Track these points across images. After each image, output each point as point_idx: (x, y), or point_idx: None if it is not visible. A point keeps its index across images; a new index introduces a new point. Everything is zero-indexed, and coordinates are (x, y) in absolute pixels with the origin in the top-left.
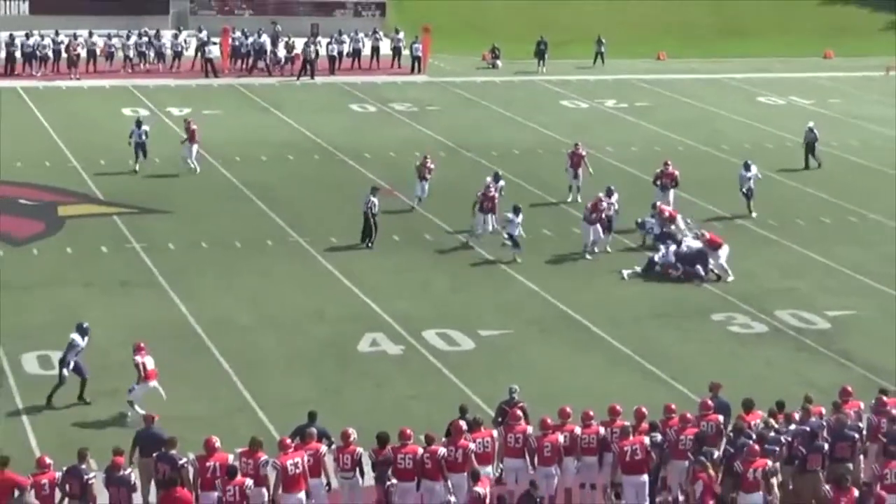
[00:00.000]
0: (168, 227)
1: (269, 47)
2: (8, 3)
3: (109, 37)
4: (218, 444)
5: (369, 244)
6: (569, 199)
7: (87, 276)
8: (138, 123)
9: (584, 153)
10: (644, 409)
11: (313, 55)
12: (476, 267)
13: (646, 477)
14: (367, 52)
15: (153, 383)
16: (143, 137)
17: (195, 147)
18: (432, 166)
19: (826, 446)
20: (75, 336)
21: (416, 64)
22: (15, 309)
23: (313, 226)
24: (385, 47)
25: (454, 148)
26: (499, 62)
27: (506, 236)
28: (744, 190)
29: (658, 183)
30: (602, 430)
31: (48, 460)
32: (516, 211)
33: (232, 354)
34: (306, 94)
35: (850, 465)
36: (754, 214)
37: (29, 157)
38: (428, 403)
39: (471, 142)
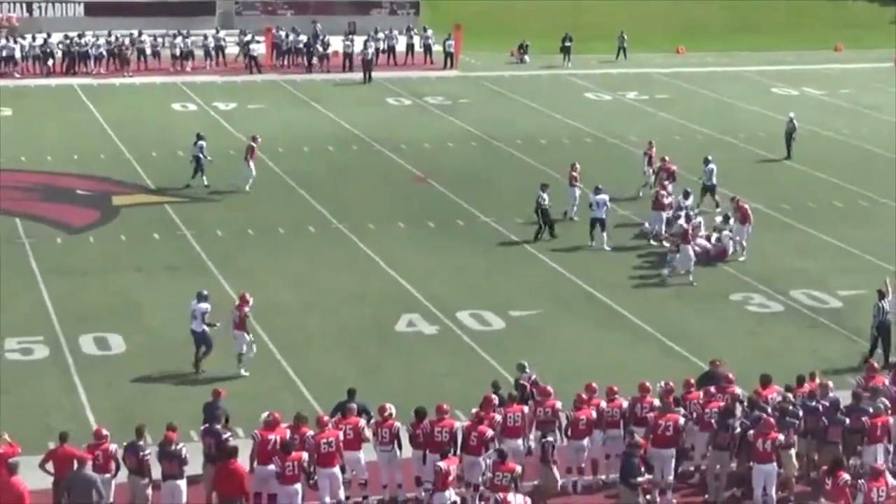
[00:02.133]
0: (216, 215)
1: (311, 45)
2: (64, 5)
3: (154, 38)
4: (281, 419)
5: (547, 235)
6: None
7: (141, 261)
8: (198, 137)
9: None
10: (672, 384)
11: (371, 55)
12: (506, 251)
13: (673, 451)
14: (401, 48)
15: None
16: (201, 153)
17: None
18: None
19: (847, 420)
20: (194, 303)
21: (449, 60)
22: (73, 293)
23: (353, 213)
24: (418, 44)
25: (485, 139)
26: (526, 58)
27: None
28: (707, 184)
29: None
30: (624, 403)
31: (104, 431)
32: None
33: (277, 335)
34: (345, 89)
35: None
36: (719, 209)
37: (85, 150)
38: (461, 380)
39: (500, 133)
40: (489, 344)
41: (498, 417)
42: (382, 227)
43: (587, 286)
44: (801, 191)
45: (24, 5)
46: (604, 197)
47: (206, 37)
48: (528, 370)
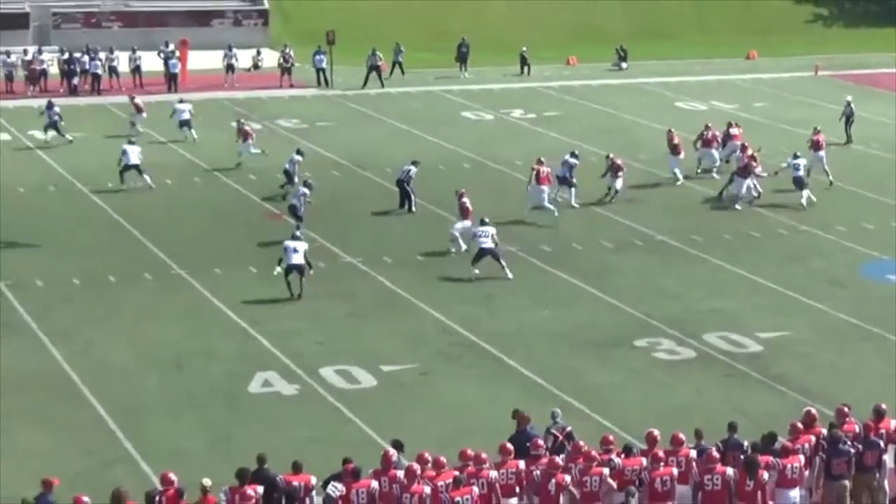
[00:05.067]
0: (36, 263)
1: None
2: None
3: None
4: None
5: (410, 209)
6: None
7: None
8: (297, 152)
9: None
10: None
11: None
12: (375, 296)
13: None
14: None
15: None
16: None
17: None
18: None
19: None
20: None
21: (322, 76)
22: None
23: (196, 256)
24: (272, 60)
25: (348, 166)
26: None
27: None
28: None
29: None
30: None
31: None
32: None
33: (110, 400)
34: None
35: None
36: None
37: None
38: (326, 446)
39: (366, 159)
40: (358, 404)
41: (494, 474)
42: (230, 271)
43: (470, 334)
44: (715, 220)
45: None
46: (489, 228)
47: (26, 53)
48: (560, 419)
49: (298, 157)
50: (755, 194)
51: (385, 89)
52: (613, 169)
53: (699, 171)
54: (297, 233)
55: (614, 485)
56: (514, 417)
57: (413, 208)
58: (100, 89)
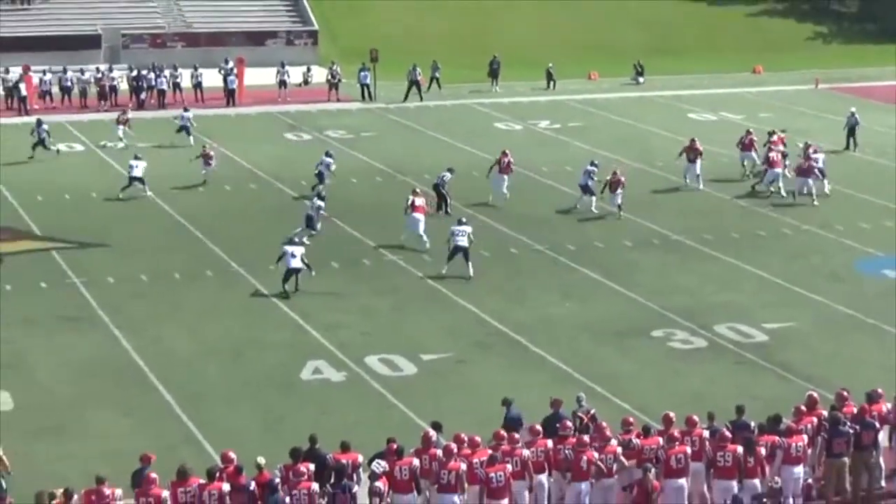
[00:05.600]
0: (107, 262)
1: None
2: None
3: (44, 73)
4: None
5: (446, 211)
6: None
7: (28, 312)
8: (327, 154)
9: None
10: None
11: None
12: (415, 291)
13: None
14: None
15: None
16: (328, 169)
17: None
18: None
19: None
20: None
21: (366, 91)
22: None
23: (252, 255)
24: (320, 76)
25: (390, 173)
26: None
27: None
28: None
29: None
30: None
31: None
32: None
33: (175, 386)
34: (239, 125)
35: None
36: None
37: None
38: (372, 429)
39: (406, 166)
40: (400, 389)
41: (526, 452)
42: (283, 268)
43: (501, 326)
44: (724, 220)
45: None
46: (466, 227)
47: (98, 71)
48: (585, 403)
49: (329, 160)
50: (807, 192)
51: (423, 102)
52: (612, 184)
53: (749, 173)
54: (295, 238)
55: (626, 463)
56: (551, 405)
57: (449, 210)
58: (165, 103)
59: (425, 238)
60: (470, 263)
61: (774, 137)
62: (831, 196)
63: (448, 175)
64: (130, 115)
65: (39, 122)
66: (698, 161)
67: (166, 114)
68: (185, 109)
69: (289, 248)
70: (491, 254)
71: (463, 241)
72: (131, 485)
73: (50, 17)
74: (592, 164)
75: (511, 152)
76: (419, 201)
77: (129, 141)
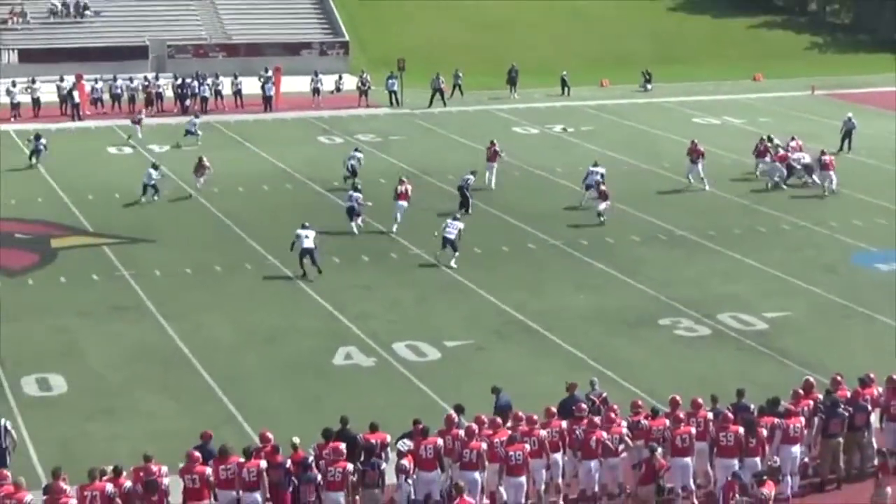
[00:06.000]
0: (154, 256)
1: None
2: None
3: (95, 81)
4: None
5: (467, 211)
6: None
7: (80, 303)
8: (356, 150)
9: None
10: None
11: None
12: (439, 282)
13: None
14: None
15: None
16: (359, 163)
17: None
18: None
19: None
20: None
21: (394, 97)
22: (14, 335)
23: (288, 250)
24: (351, 84)
25: (416, 174)
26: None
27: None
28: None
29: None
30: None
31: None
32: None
33: (216, 370)
34: (277, 129)
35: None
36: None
37: (23, 194)
38: (399, 411)
39: (431, 167)
40: (425, 374)
41: (544, 433)
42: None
43: (519, 315)
44: (726, 217)
45: None
46: (458, 223)
47: (145, 79)
48: (597, 387)
49: (359, 154)
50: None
51: (447, 108)
52: (601, 195)
53: (775, 179)
54: (307, 223)
55: (631, 443)
56: (567, 389)
57: (470, 210)
58: (207, 109)
59: (398, 220)
60: (456, 254)
61: (794, 144)
62: (826, 193)
63: (471, 178)
64: (144, 118)
65: (38, 136)
66: (700, 162)
67: (208, 119)
68: (196, 116)
69: (301, 232)
70: (510, 249)
71: (451, 234)
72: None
73: (101, 29)
74: (595, 164)
75: (498, 143)
76: (402, 188)
77: (137, 141)
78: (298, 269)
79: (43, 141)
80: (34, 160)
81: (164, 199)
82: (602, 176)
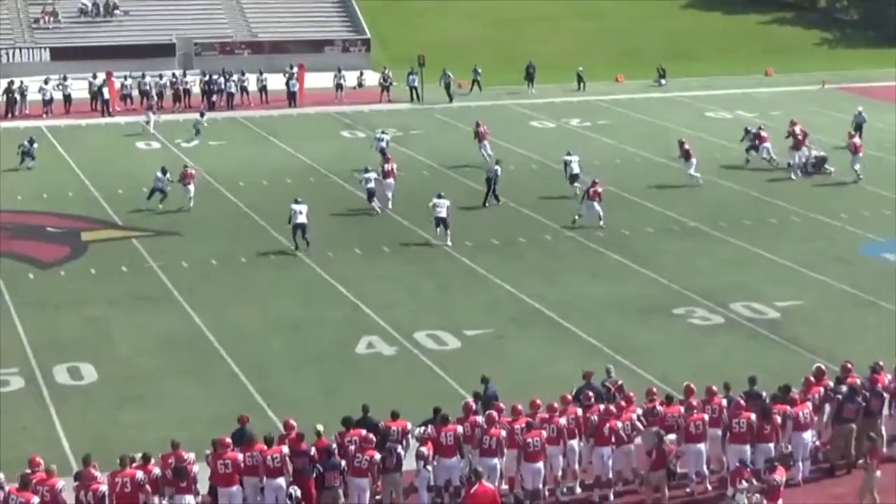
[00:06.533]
0: (181, 248)
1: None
2: (31, 51)
3: (125, 78)
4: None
5: (485, 204)
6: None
7: (110, 293)
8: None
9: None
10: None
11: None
12: (459, 273)
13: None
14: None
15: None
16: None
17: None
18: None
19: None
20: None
21: (415, 93)
22: (46, 325)
23: (312, 241)
24: (373, 80)
25: (436, 167)
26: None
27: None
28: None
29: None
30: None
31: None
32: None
33: (241, 358)
34: (300, 124)
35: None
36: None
37: (54, 189)
38: (420, 398)
39: (451, 161)
40: (446, 363)
41: (563, 420)
42: (339, 253)
43: (536, 304)
44: (737, 209)
45: None
46: (444, 201)
47: (173, 76)
48: (613, 374)
49: (386, 136)
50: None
51: (466, 103)
52: (589, 195)
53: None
54: (299, 198)
55: (641, 427)
56: (583, 377)
57: (487, 204)
58: (233, 105)
59: (389, 196)
60: (449, 232)
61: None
62: (839, 186)
63: (498, 168)
64: (155, 112)
65: (32, 141)
66: (692, 159)
67: (234, 114)
68: (201, 114)
69: (295, 207)
70: (527, 240)
71: (442, 213)
72: (233, 443)
73: (130, 28)
74: (568, 154)
75: (483, 122)
76: (388, 167)
77: (146, 130)
78: (292, 242)
79: (36, 145)
80: (26, 162)
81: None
82: (577, 164)
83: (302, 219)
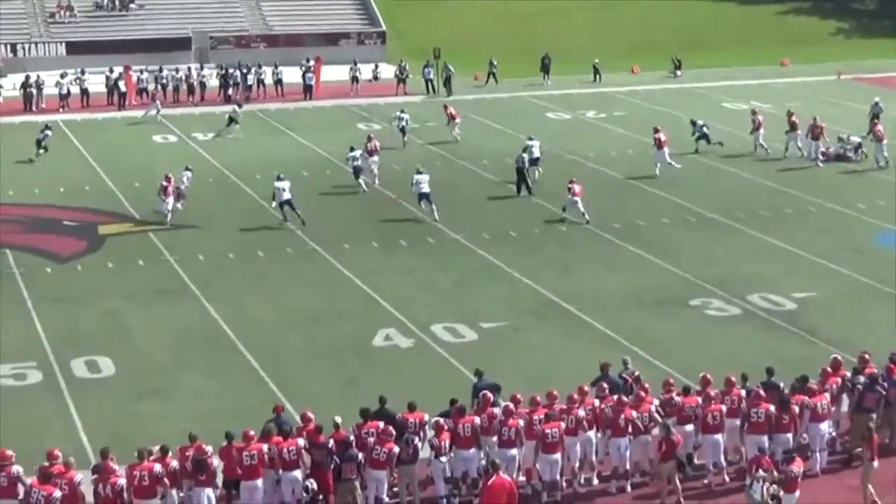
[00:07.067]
0: (197, 241)
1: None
2: (47, 45)
3: (141, 72)
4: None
5: (527, 193)
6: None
7: (127, 287)
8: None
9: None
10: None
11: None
12: (475, 265)
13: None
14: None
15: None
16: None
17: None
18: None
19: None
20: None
21: (430, 86)
22: (63, 319)
23: (328, 234)
24: (388, 73)
25: (452, 159)
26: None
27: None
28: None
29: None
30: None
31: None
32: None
33: (259, 352)
34: (317, 116)
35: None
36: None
37: (71, 183)
38: (437, 390)
39: (467, 153)
40: (463, 355)
41: (582, 412)
42: (356, 246)
43: (553, 296)
44: (753, 199)
45: (8, 46)
46: (425, 176)
47: (189, 70)
48: (630, 366)
49: (406, 115)
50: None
51: (482, 95)
52: (572, 192)
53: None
54: (282, 175)
55: (659, 419)
56: (600, 369)
57: (522, 192)
58: (250, 98)
59: (376, 172)
60: (434, 207)
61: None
62: (854, 175)
63: (526, 156)
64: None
65: (47, 127)
66: (665, 149)
67: (250, 107)
68: (239, 105)
69: (279, 184)
70: (542, 231)
71: (425, 188)
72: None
73: (145, 21)
74: (530, 138)
75: (452, 105)
76: (370, 145)
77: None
78: (280, 216)
79: (50, 132)
80: (41, 152)
81: (208, 185)
82: (538, 148)
83: (287, 195)
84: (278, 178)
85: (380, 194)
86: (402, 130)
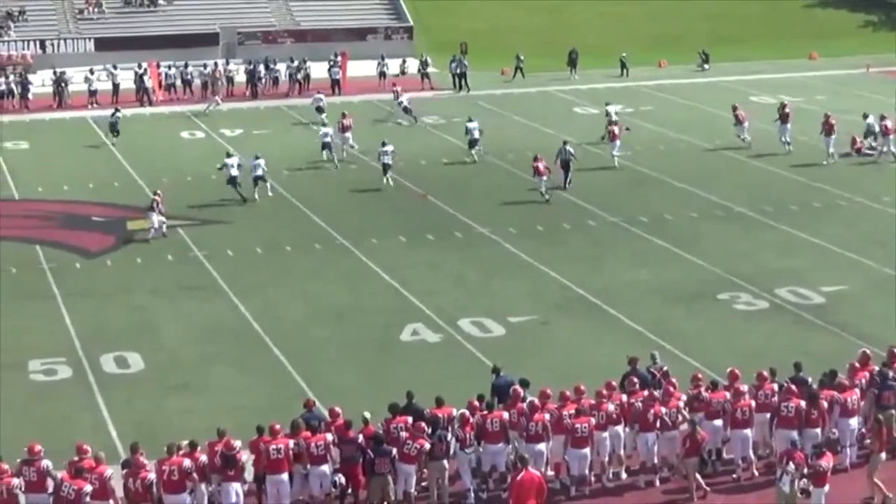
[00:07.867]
0: (226, 236)
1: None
2: (76, 41)
3: (168, 68)
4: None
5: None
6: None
7: (156, 283)
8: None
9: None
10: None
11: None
12: (502, 260)
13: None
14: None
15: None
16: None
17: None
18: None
19: None
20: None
21: (458, 81)
22: (93, 315)
23: (356, 229)
24: (413, 68)
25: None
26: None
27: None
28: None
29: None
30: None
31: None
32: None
33: (287, 347)
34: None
35: None
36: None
37: (99, 178)
38: (465, 385)
39: (493, 148)
40: (490, 349)
41: (611, 407)
42: (384, 241)
43: (580, 290)
44: (781, 193)
45: (37, 42)
46: (389, 147)
47: (216, 65)
48: (658, 360)
49: (406, 95)
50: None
51: (509, 90)
52: (537, 172)
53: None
54: (259, 153)
55: (686, 415)
56: (628, 363)
57: (567, 185)
58: (277, 92)
59: (354, 145)
60: (387, 177)
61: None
62: (881, 169)
63: (570, 147)
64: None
65: (116, 110)
66: (617, 141)
67: (278, 102)
68: (319, 92)
69: (254, 161)
70: (570, 226)
71: (388, 160)
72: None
73: (173, 17)
74: (470, 120)
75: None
76: (345, 122)
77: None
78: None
79: (119, 114)
80: (114, 137)
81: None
82: (478, 130)
83: (259, 171)
84: (255, 157)
85: (405, 190)
86: (406, 111)
